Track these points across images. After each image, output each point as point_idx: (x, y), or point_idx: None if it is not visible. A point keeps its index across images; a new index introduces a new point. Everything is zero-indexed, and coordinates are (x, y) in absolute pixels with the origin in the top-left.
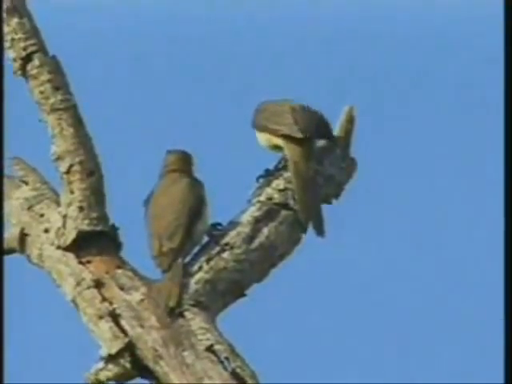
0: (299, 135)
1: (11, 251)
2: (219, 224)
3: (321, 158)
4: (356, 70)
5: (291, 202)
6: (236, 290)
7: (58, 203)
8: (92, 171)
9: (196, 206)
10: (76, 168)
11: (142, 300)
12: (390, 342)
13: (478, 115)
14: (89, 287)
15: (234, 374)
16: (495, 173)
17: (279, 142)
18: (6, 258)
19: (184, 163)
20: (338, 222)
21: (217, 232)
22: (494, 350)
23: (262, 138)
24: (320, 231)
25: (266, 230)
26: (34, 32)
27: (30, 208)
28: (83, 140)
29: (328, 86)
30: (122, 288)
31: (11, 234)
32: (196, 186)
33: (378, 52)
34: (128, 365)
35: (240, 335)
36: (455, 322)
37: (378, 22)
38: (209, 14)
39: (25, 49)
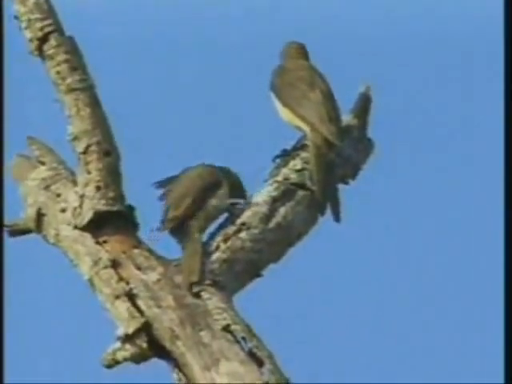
0: (337, 142)
1: (28, 231)
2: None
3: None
4: (371, 50)
5: (308, 183)
6: (253, 270)
7: (74, 183)
8: (109, 151)
9: (210, 184)
10: (93, 148)
11: (159, 280)
12: (390, 339)
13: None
14: (106, 267)
15: (250, 354)
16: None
17: (304, 126)
18: (22, 238)
19: None
20: (354, 202)
21: (237, 210)
22: (493, 349)
23: (284, 114)
24: (337, 217)
25: (283, 210)
26: (50, 12)
27: (46, 188)
28: (100, 120)
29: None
30: (138, 268)
31: (28, 214)
32: (217, 171)
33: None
34: (144, 345)
35: (257, 315)
36: (455, 321)
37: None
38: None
39: (41, 29)
